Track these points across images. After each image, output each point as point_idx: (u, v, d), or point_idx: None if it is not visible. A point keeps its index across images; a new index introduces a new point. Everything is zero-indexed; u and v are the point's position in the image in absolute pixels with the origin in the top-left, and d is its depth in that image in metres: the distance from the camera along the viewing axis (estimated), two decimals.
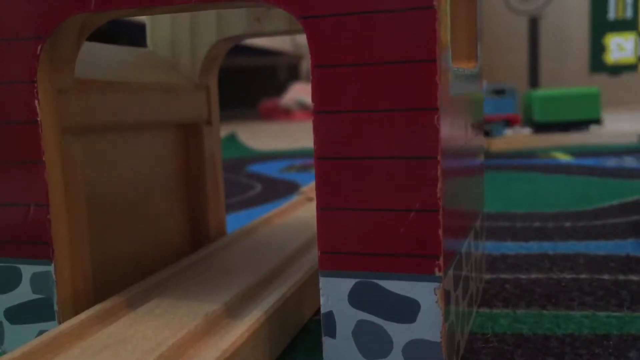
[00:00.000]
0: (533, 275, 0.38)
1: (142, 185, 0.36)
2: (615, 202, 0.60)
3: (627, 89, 2.24)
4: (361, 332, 0.25)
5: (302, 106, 2.61)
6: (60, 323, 0.28)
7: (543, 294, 0.35)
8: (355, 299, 0.24)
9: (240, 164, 1.09)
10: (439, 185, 0.23)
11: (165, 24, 0.40)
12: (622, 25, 2.21)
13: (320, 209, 0.25)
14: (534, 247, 0.45)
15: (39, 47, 0.27)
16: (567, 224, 0.52)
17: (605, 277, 0.38)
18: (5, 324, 0.29)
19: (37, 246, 0.28)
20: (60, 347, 0.25)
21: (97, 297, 0.31)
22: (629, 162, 0.90)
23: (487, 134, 1.14)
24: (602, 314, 0.32)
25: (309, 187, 0.56)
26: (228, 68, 2.66)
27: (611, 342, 0.28)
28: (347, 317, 0.25)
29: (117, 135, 0.34)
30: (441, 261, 0.23)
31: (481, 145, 0.36)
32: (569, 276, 0.38)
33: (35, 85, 0.27)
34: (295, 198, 0.53)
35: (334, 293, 0.25)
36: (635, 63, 2.24)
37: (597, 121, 1.18)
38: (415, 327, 0.24)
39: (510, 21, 2.28)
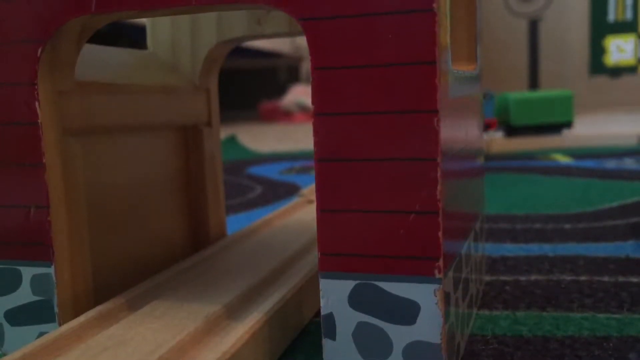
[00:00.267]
0: (533, 277, 0.38)
1: (142, 187, 0.36)
2: (615, 204, 0.60)
3: (627, 91, 2.24)
4: (361, 334, 0.25)
5: (302, 108, 2.61)
6: (60, 325, 0.28)
7: (543, 295, 0.35)
8: (356, 300, 0.24)
9: (240, 166, 1.09)
10: (439, 187, 0.23)
11: (166, 26, 0.40)
12: (621, 27, 2.21)
13: (321, 210, 0.25)
14: (534, 248, 0.45)
15: (40, 50, 0.27)
16: (567, 226, 0.52)
17: (605, 278, 0.38)
18: (6, 325, 0.29)
19: (38, 248, 0.28)
20: (60, 349, 0.25)
21: (97, 298, 0.31)
22: (629, 163, 0.90)
23: None
24: (601, 315, 0.32)
25: (309, 190, 0.56)
26: (228, 70, 2.66)
27: (611, 344, 0.28)
28: (347, 319, 0.25)
29: (118, 137, 0.34)
30: (441, 263, 0.23)
31: (481, 147, 0.36)
32: (568, 278, 0.38)
33: (36, 87, 0.27)
34: (295, 200, 0.53)
35: (334, 295, 0.25)
36: (635, 65, 2.24)
37: (570, 124, 1.16)
38: (415, 328, 0.24)
39: (510, 23, 2.28)
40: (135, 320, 0.27)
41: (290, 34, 0.37)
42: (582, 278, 0.38)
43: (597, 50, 2.24)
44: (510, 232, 0.50)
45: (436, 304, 0.23)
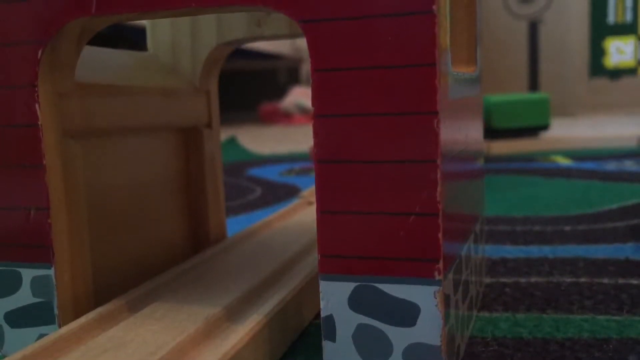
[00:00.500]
0: (533, 279, 0.38)
1: (142, 189, 0.36)
2: (615, 206, 0.60)
3: (626, 93, 2.25)
4: (361, 336, 0.25)
5: (302, 110, 2.61)
6: (60, 327, 0.28)
7: (543, 297, 0.35)
8: (355, 302, 0.25)
9: (240, 167, 1.09)
10: (439, 188, 0.23)
11: (166, 28, 0.40)
12: (621, 29, 2.21)
13: (320, 212, 0.25)
14: (534, 250, 0.45)
15: (40, 51, 0.27)
16: (567, 228, 0.52)
17: (605, 280, 0.38)
18: (6, 327, 0.29)
19: (38, 250, 0.28)
20: (60, 351, 0.25)
21: (97, 300, 0.31)
22: (629, 165, 0.90)
23: None
24: (601, 317, 0.32)
25: (309, 192, 0.56)
26: (228, 71, 2.66)
27: (611, 346, 0.28)
28: (347, 321, 0.25)
29: (118, 138, 0.34)
30: (441, 265, 0.23)
31: (481, 148, 0.36)
32: (568, 280, 0.38)
33: (36, 89, 0.27)
34: (295, 202, 0.53)
35: (334, 296, 0.25)
36: (635, 66, 2.24)
37: (546, 127, 1.16)
38: (415, 330, 0.24)
39: (510, 25, 2.28)
40: (135, 321, 0.27)
41: (290, 35, 0.37)
42: (582, 280, 0.38)
43: (597, 52, 2.25)
44: (510, 234, 0.50)
45: (436, 305, 0.23)
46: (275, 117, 2.67)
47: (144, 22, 0.38)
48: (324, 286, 0.25)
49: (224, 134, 1.79)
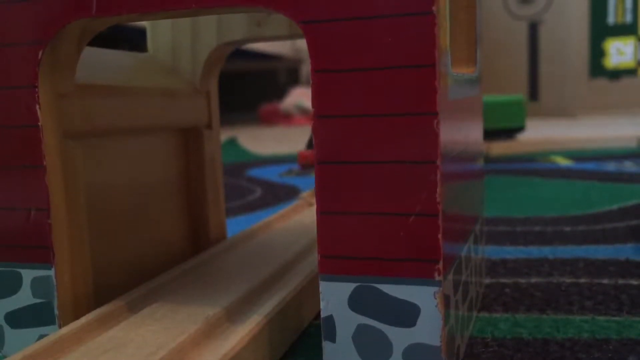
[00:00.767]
0: (533, 280, 0.38)
1: (142, 189, 0.36)
2: (614, 207, 0.60)
3: (626, 93, 2.25)
4: (361, 336, 0.25)
5: (302, 110, 2.61)
6: (60, 327, 0.28)
7: (543, 298, 0.35)
8: (355, 303, 0.25)
9: (240, 168, 1.09)
10: (439, 189, 0.23)
11: (166, 29, 0.40)
12: (621, 30, 2.21)
13: (320, 212, 0.25)
14: (534, 251, 0.45)
15: (40, 52, 0.27)
16: (567, 229, 0.52)
17: (605, 281, 0.38)
18: (6, 328, 0.29)
19: (38, 250, 0.28)
20: (61, 351, 0.25)
21: (98, 301, 0.31)
22: (629, 166, 0.91)
23: None
24: (601, 318, 0.32)
25: (309, 193, 0.56)
26: (228, 72, 2.66)
27: (611, 347, 0.28)
28: (347, 321, 0.25)
29: (118, 139, 0.34)
30: (441, 265, 0.23)
31: (481, 149, 0.36)
32: (568, 280, 0.38)
33: (36, 89, 0.27)
34: (295, 203, 0.53)
35: (334, 297, 0.25)
36: (635, 67, 2.24)
37: (522, 129, 1.15)
38: (415, 331, 0.24)
39: (510, 26, 2.28)
40: (136, 322, 0.27)
41: (290, 36, 0.38)
42: (582, 280, 0.38)
43: (596, 53, 2.25)
44: (510, 235, 0.50)
45: (436, 306, 0.23)
46: (275, 118, 2.67)
47: (144, 23, 0.39)
48: (324, 287, 0.25)
49: (224, 135, 1.79)
